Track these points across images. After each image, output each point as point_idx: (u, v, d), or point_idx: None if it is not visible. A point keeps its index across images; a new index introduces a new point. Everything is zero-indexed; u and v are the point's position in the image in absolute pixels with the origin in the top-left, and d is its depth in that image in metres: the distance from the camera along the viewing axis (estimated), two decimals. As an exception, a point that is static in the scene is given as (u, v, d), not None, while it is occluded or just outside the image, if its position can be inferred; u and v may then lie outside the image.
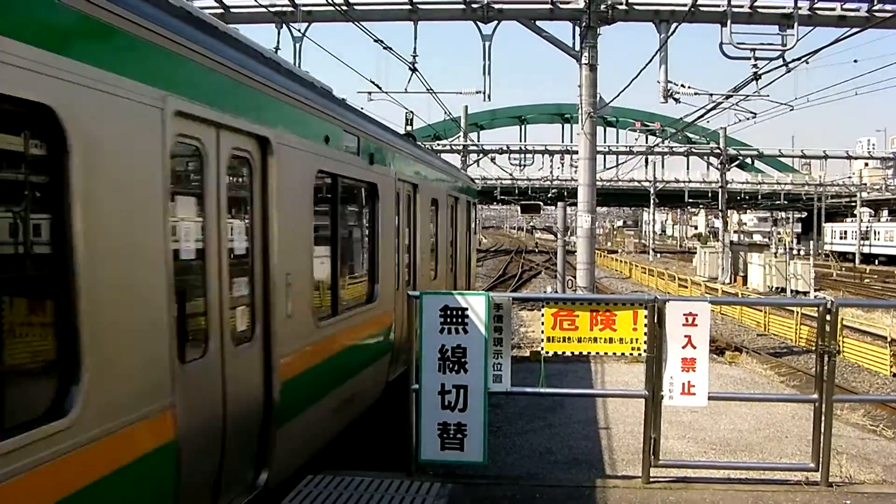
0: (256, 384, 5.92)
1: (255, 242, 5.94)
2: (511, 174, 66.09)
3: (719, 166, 51.55)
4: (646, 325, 7.05)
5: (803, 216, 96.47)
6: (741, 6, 20.34)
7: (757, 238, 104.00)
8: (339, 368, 7.90)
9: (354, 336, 8.44)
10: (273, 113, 6.15)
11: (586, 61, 20.14)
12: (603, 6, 20.05)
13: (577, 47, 20.43)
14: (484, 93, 23.34)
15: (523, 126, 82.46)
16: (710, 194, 69.58)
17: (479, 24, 21.34)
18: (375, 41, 18.81)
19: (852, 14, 20.51)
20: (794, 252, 50.32)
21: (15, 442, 3.31)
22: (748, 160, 74.67)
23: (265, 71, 6.21)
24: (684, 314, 7.04)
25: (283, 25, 21.45)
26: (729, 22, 20.14)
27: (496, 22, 21.33)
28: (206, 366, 5.13)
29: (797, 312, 24.77)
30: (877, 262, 70.60)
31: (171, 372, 4.56)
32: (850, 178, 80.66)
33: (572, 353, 7.29)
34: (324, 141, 7.32)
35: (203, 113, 4.99)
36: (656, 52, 20.61)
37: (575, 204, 22.33)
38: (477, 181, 31.90)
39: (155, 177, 4.44)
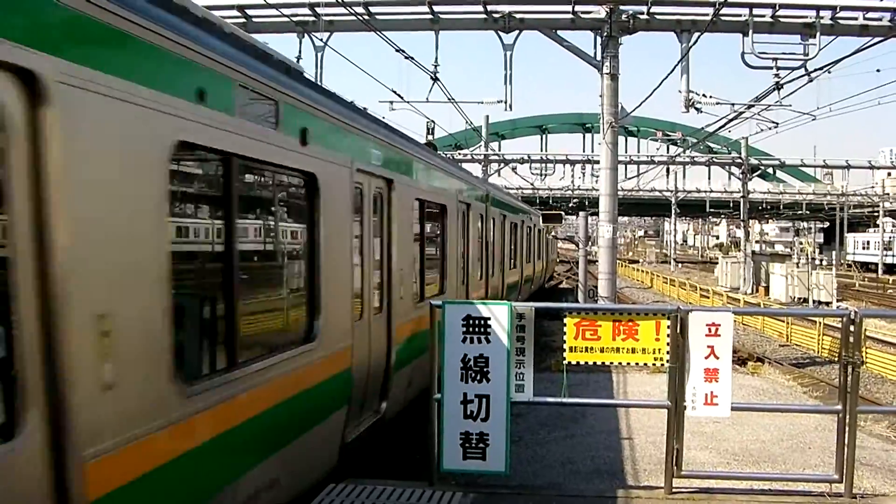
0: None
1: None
2: (532, 184, 66.02)
3: (741, 176, 51.30)
4: (668, 336, 7.03)
5: (825, 226, 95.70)
6: (763, 16, 20.25)
7: (779, 248, 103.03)
8: None
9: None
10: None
11: (608, 71, 20.11)
12: (624, 16, 20.04)
13: (599, 57, 20.41)
14: (505, 102, 23.32)
15: (544, 135, 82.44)
16: (731, 204, 69.22)
17: (501, 33, 21.39)
18: (397, 51, 18.88)
19: (875, 24, 20.38)
20: (817, 262, 49.83)
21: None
22: (770, 170, 74.09)
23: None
24: (707, 324, 7.02)
25: (305, 35, 21.59)
26: (751, 31, 20.10)
27: (517, 31, 21.37)
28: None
29: (820, 323, 24.57)
30: (900, 272, 69.88)
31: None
32: (872, 187, 79.90)
33: (594, 363, 7.26)
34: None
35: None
36: (678, 62, 20.55)
37: (596, 214, 22.29)
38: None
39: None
